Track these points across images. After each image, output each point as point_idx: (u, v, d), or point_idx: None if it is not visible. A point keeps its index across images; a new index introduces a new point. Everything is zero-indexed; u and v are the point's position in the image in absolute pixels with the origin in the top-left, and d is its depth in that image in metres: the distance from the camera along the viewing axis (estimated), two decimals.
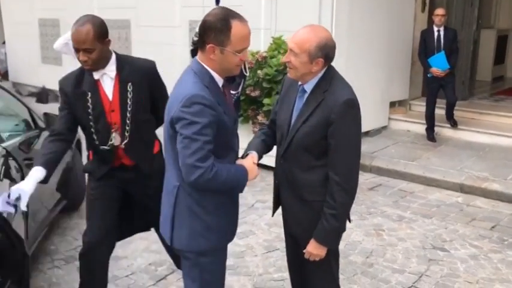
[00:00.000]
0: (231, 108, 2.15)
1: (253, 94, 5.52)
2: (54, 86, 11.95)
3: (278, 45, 5.67)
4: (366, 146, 6.48)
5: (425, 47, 6.40)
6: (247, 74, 5.26)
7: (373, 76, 6.59)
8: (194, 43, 5.18)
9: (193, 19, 7.31)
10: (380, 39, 6.57)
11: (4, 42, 12.59)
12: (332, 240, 2.22)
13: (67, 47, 6.20)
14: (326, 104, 2.08)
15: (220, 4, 5.46)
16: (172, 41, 7.41)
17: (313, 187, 2.18)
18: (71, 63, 6.90)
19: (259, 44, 6.14)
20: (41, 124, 3.72)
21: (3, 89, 3.62)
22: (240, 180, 2.05)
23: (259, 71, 5.53)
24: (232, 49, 1.93)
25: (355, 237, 4.04)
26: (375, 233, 4.16)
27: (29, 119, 3.68)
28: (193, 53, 5.29)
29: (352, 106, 2.08)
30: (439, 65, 6.22)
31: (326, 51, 2.07)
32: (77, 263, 3.52)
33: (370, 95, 6.56)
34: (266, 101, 5.44)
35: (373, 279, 3.45)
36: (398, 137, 6.80)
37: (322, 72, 2.14)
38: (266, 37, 6.21)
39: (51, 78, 10.49)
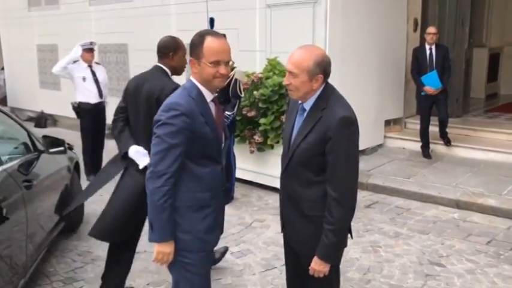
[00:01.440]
0: (217, 122, 2.27)
1: (249, 114, 5.60)
2: (53, 111, 12.08)
3: (273, 66, 5.78)
4: (362, 164, 6.53)
5: (417, 65, 6.50)
6: (242, 95, 5.35)
7: (368, 95, 6.68)
8: None
9: (189, 42, 7.44)
10: (373, 59, 6.69)
11: (3, 68, 12.73)
12: (332, 255, 2.24)
13: (65, 71, 6.33)
14: (324, 122, 2.13)
15: (215, 27, 5.58)
16: None
17: (313, 202, 2.22)
18: (70, 88, 7.03)
19: (254, 66, 6.26)
20: (40, 147, 3.77)
21: (3, 112, 3.68)
22: (160, 226, 2.15)
23: (255, 92, 5.63)
24: (207, 61, 2.14)
25: (352, 254, 4.06)
26: (372, 250, 4.18)
27: (29, 142, 3.73)
28: None
29: (348, 123, 2.12)
30: (431, 84, 6.32)
31: (324, 67, 2.14)
32: (75, 284, 3.56)
33: (365, 114, 6.64)
34: (262, 121, 5.52)
35: None
36: (394, 154, 6.86)
37: (320, 90, 2.20)
38: (261, 59, 6.32)
39: (49, 103, 10.63)
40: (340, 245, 2.26)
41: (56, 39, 10.15)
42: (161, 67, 3.14)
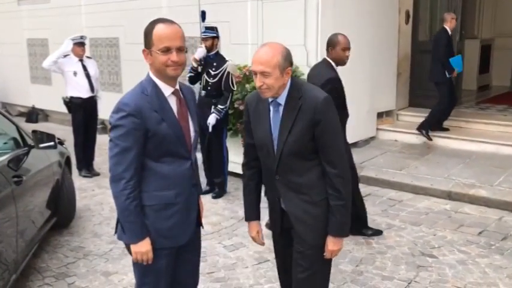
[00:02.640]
0: (179, 116, 2.19)
1: (241, 107, 5.57)
2: (44, 106, 12.01)
3: None
4: (355, 156, 6.47)
5: (449, 49, 6.63)
6: (235, 88, 5.33)
7: (360, 88, 6.68)
8: (194, 69, 5.27)
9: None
10: (365, 51, 6.67)
11: None
12: (347, 229, 2.33)
13: (56, 65, 6.28)
14: (306, 108, 2.18)
15: (207, 21, 5.55)
16: None
17: (316, 187, 2.26)
18: (61, 83, 6.97)
19: (246, 59, 6.22)
20: (30, 142, 3.74)
21: None
22: (129, 228, 2.15)
23: (247, 85, 5.60)
24: (156, 49, 2.06)
25: (345, 247, 4.03)
26: (365, 242, 4.19)
27: (18, 137, 3.70)
28: (191, 80, 5.37)
29: (331, 102, 2.21)
30: (458, 67, 6.58)
31: (290, 59, 2.19)
32: (68, 280, 3.55)
33: (358, 106, 6.64)
34: None
35: (362, 286, 3.47)
36: (386, 146, 6.88)
37: (289, 81, 2.23)
38: (253, 51, 6.25)
39: (40, 97, 10.54)
40: (350, 216, 2.31)
41: (47, 34, 10.06)
42: (326, 59, 4.09)
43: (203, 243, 4.10)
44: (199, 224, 2.42)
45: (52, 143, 3.75)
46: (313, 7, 5.84)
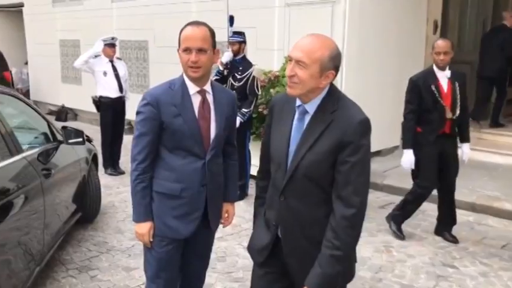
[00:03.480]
0: (199, 115, 2.25)
1: (265, 112, 5.62)
2: (74, 105, 12.31)
3: None
4: (378, 165, 6.52)
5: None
6: (259, 93, 5.39)
7: (385, 96, 6.65)
8: (220, 73, 5.36)
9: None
10: (391, 60, 6.66)
11: (27, 63, 12.99)
12: (330, 286, 1.82)
13: (87, 65, 6.45)
14: (337, 126, 1.77)
15: (235, 26, 5.63)
16: (173, 60, 7.59)
17: (325, 224, 1.82)
18: (91, 83, 7.15)
19: (272, 64, 6.29)
20: (60, 137, 3.86)
21: (25, 102, 3.78)
22: (134, 207, 2.31)
23: (271, 90, 5.66)
24: (181, 49, 2.19)
25: (364, 253, 4.06)
26: (385, 250, 4.18)
27: (48, 132, 3.82)
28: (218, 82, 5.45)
29: (367, 128, 1.79)
30: None
31: (336, 63, 1.81)
32: (90, 273, 3.64)
33: (382, 115, 6.61)
34: None
35: None
36: None
37: (326, 89, 1.84)
38: (279, 57, 6.35)
39: (70, 97, 10.82)
40: (345, 275, 1.89)
41: (79, 35, 10.33)
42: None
43: (223, 244, 4.18)
44: (207, 224, 2.43)
45: (80, 139, 3.86)
46: (340, 14, 5.86)
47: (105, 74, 6.41)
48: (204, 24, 2.23)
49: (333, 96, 1.84)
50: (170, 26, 8.41)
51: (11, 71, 12.03)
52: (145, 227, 2.29)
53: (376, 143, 6.61)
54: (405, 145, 4.39)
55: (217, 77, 5.40)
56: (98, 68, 6.41)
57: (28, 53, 12.70)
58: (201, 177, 2.28)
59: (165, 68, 7.57)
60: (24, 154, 3.15)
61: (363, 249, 4.12)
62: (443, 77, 4.20)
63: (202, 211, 2.35)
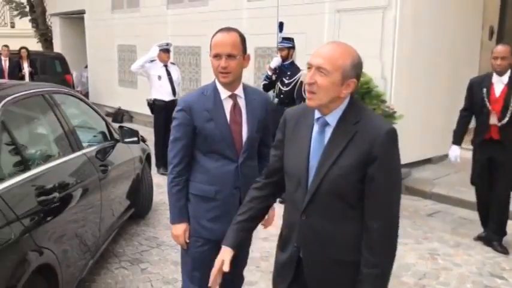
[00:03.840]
0: (231, 119, 2.29)
1: None
2: (129, 107, 12.79)
3: None
4: (427, 172, 6.42)
5: None
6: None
7: (437, 103, 6.56)
8: (268, 78, 5.49)
9: (259, 46, 7.67)
10: (444, 66, 6.56)
11: (86, 66, 13.66)
12: None
13: (143, 69, 6.75)
14: (363, 138, 1.67)
15: (285, 31, 5.74)
16: None
17: (352, 243, 1.73)
18: (146, 87, 7.46)
19: None
20: (116, 136, 4.09)
21: (86, 102, 4.04)
22: (170, 209, 2.39)
23: None
24: (211, 55, 2.24)
25: (408, 260, 4.04)
26: (430, 257, 4.13)
27: (106, 132, 4.07)
28: (265, 88, 5.59)
29: (395, 137, 1.70)
30: None
31: (358, 71, 1.72)
32: (141, 265, 3.83)
33: (433, 121, 6.53)
34: None
35: None
36: (461, 164, 6.61)
37: (347, 100, 1.74)
38: None
39: (126, 100, 11.28)
40: None
41: (135, 40, 10.77)
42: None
43: (267, 244, 4.27)
44: None
45: (135, 138, 4.08)
46: (391, 19, 5.84)
47: (159, 78, 6.68)
48: (235, 30, 2.26)
49: (355, 107, 1.75)
50: None
51: (72, 74, 12.72)
52: (180, 229, 2.35)
53: (426, 150, 6.58)
54: (453, 139, 4.60)
55: (266, 82, 5.52)
56: (153, 72, 6.70)
57: (88, 57, 13.35)
58: (233, 180, 2.31)
59: (211, 73, 7.76)
60: (84, 151, 3.38)
61: (408, 255, 4.10)
62: (499, 82, 4.14)
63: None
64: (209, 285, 1.92)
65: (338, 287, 1.77)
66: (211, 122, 2.26)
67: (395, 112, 5.65)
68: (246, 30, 7.81)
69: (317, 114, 1.76)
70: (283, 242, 1.92)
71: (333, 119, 1.73)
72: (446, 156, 7.06)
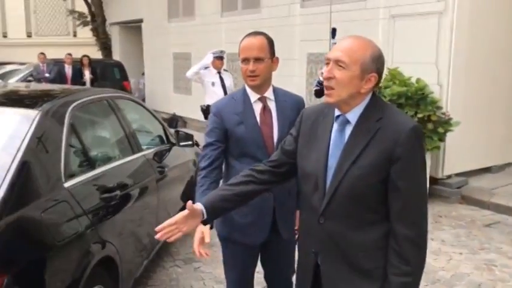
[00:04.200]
0: (261, 122, 2.28)
1: None
2: (183, 113, 13.15)
3: (393, 76, 5.78)
4: (486, 182, 6.21)
5: None
6: None
7: (497, 110, 6.35)
8: (320, 83, 5.52)
9: (311, 52, 7.71)
10: (504, 72, 6.34)
11: (143, 74, 14.17)
12: None
13: (197, 76, 6.96)
14: (385, 135, 1.57)
15: (337, 38, 5.76)
16: (291, 73, 7.85)
17: (372, 250, 1.63)
18: (200, 93, 7.67)
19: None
20: (172, 140, 4.26)
21: (144, 107, 4.24)
22: None
23: None
24: (240, 59, 2.25)
25: (463, 270, 3.94)
26: (486, 268, 4.01)
27: (163, 135, 4.24)
28: (317, 93, 5.62)
29: (421, 135, 1.62)
30: None
31: (380, 65, 1.62)
32: (194, 264, 3.96)
33: (493, 130, 6.32)
34: None
35: None
36: None
37: (369, 97, 1.64)
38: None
39: (181, 106, 11.61)
40: None
41: (190, 48, 11.07)
42: None
43: None
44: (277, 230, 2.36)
45: (190, 142, 4.22)
46: (447, 25, 5.72)
47: (213, 84, 6.87)
48: (262, 33, 2.28)
49: (377, 104, 1.65)
50: (275, 39, 8.75)
51: (129, 81, 13.24)
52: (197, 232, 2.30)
53: (485, 159, 6.38)
54: None
55: (318, 88, 5.55)
56: (207, 78, 6.89)
57: (145, 64, 13.86)
58: None
59: (274, 80, 7.86)
60: (143, 153, 3.55)
61: (462, 265, 4.01)
62: None
63: (271, 219, 2.32)
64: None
65: None
66: (241, 125, 2.27)
67: (451, 119, 5.52)
68: (299, 36, 7.92)
69: (337, 112, 1.68)
70: (300, 246, 1.86)
71: (353, 116, 1.63)
72: (506, 165, 6.84)
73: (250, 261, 2.46)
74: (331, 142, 1.67)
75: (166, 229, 1.72)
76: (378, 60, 1.61)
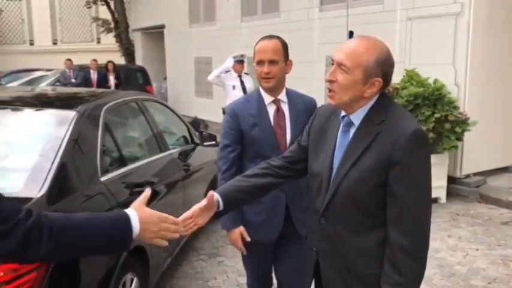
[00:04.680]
0: (275, 124, 2.35)
1: None
2: (205, 116, 13.41)
3: (410, 77, 5.89)
4: (504, 180, 6.25)
5: None
6: None
7: None
8: None
9: (329, 55, 7.84)
10: None
11: (165, 78, 14.48)
12: None
13: (218, 79, 7.17)
14: (384, 139, 1.54)
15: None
16: (310, 76, 8.00)
17: (369, 255, 1.61)
18: (221, 97, 7.87)
19: (393, 76, 6.39)
20: (196, 140, 4.46)
21: (170, 109, 4.46)
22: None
23: None
24: (255, 62, 2.33)
25: (479, 264, 4.04)
26: (502, 263, 4.10)
27: (188, 136, 4.45)
28: None
29: (423, 140, 1.57)
30: None
31: (386, 69, 1.57)
32: (218, 259, 4.15)
33: (510, 130, 6.36)
34: None
35: None
36: None
37: (374, 99, 1.61)
38: (400, 70, 6.44)
39: (202, 109, 11.85)
40: None
41: (211, 53, 11.31)
42: None
43: None
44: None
45: (214, 142, 4.42)
46: (464, 27, 5.81)
47: (233, 87, 7.07)
48: (277, 37, 2.34)
49: (383, 105, 1.60)
50: (294, 43, 8.93)
51: (152, 85, 13.56)
52: (236, 234, 2.36)
53: (503, 159, 6.43)
54: None
55: None
56: (228, 82, 7.10)
57: (167, 69, 14.16)
58: None
59: (287, 82, 8.03)
60: (169, 152, 3.76)
61: (478, 260, 4.10)
62: None
63: (283, 217, 2.37)
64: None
65: None
66: (256, 126, 2.34)
67: (468, 119, 5.60)
68: (317, 40, 8.07)
69: (343, 113, 1.66)
70: (306, 243, 1.89)
71: (357, 118, 1.62)
72: None
73: (265, 257, 2.51)
74: (336, 143, 1.67)
75: (184, 223, 1.66)
76: (384, 64, 1.56)
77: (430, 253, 4.15)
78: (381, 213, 1.57)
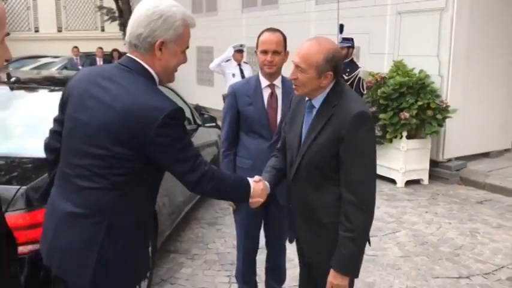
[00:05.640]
0: (268, 105, 2.71)
1: (370, 110, 6.23)
2: (206, 104, 13.82)
3: (397, 68, 6.34)
4: (483, 165, 6.71)
5: None
6: (364, 92, 6.03)
7: (495, 99, 6.85)
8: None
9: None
10: (501, 65, 6.84)
11: None
12: (353, 267, 1.99)
13: (219, 68, 7.63)
14: (336, 119, 1.95)
15: (349, 32, 6.34)
16: None
17: (328, 207, 2.03)
18: (221, 85, 8.30)
19: (382, 67, 6.86)
20: (198, 122, 4.92)
21: (173, 91, 4.91)
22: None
23: (378, 90, 6.24)
24: (258, 50, 2.67)
25: (449, 235, 4.53)
26: (470, 234, 4.59)
27: (190, 117, 4.91)
28: None
29: (364, 119, 1.93)
30: None
31: (334, 63, 1.96)
32: (217, 227, 4.64)
33: (491, 117, 6.82)
34: (382, 116, 6.12)
35: (455, 264, 3.95)
36: None
37: (330, 86, 2.03)
38: (389, 61, 6.90)
39: (204, 97, 12.28)
40: (360, 254, 2.01)
41: (212, 42, 11.71)
42: None
43: None
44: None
45: (214, 124, 4.88)
46: (448, 20, 6.25)
47: (233, 75, 7.52)
48: (278, 30, 2.68)
49: (337, 91, 2.01)
50: (293, 34, 9.30)
51: None
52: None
53: (484, 145, 6.90)
54: None
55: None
56: (228, 70, 7.56)
57: None
58: (266, 156, 2.47)
59: (284, 71, 8.46)
60: None
61: (449, 232, 4.59)
62: None
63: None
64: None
65: (316, 242, 2.09)
66: (251, 106, 2.72)
67: (448, 106, 6.06)
68: (314, 32, 8.50)
69: (306, 98, 2.09)
70: (285, 203, 2.32)
71: (317, 102, 2.04)
72: (506, 151, 7.32)
73: (254, 220, 2.90)
74: (303, 122, 2.11)
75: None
76: (332, 60, 1.95)
77: (407, 225, 4.74)
78: (336, 175, 1.99)
